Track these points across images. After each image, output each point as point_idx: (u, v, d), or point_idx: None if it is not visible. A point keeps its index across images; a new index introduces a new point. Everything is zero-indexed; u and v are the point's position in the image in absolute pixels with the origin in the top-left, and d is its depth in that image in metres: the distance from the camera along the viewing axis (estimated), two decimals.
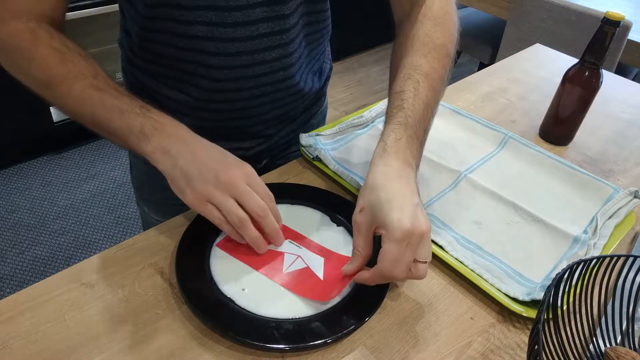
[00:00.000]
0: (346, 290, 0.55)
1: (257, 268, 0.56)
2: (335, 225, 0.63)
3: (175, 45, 0.64)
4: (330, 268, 0.56)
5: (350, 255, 0.54)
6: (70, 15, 1.78)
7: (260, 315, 0.51)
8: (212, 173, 0.53)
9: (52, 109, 1.97)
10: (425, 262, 0.50)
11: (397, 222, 0.47)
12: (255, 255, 0.57)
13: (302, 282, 0.55)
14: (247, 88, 0.68)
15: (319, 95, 0.84)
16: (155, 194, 0.83)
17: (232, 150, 0.76)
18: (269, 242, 0.57)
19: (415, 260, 0.49)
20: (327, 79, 0.85)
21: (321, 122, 0.89)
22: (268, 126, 0.76)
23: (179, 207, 0.63)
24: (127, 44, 0.71)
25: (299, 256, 0.58)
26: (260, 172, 0.75)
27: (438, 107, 0.61)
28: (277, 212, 0.56)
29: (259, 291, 0.54)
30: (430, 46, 0.60)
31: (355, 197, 0.67)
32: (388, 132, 0.55)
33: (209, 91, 0.68)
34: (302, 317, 0.51)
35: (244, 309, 0.51)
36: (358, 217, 0.51)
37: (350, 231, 0.61)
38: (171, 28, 0.62)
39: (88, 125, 0.57)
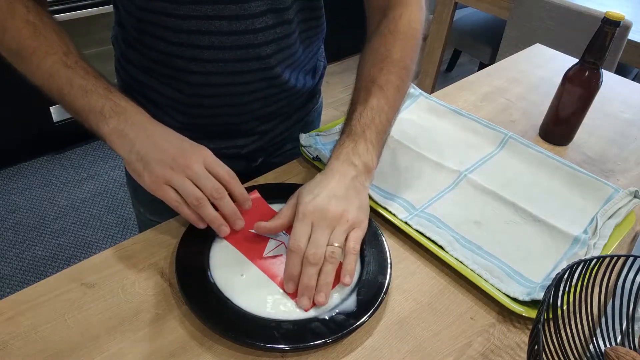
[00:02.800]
0: (346, 290, 0.55)
1: (240, 249, 0.57)
2: None
3: (169, 39, 0.63)
4: None
5: (349, 257, 0.54)
6: (71, 15, 1.78)
7: (260, 315, 0.51)
8: (169, 156, 0.54)
9: (52, 109, 1.97)
10: (337, 245, 0.53)
11: (303, 204, 0.55)
12: (241, 236, 0.58)
13: (277, 267, 0.56)
14: (241, 83, 0.68)
15: (314, 93, 0.84)
16: (149, 194, 0.83)
17: (227, 148, 0.76)
18: (230, 225, 0.57)
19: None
20: (321, 77, 0.84)
21: (316, 120, 0.89)
22: (261, 123, 0.76)
23: None
24: (122, 37, 0.71)
25: (283, 243, 0.59)
26: (257, 171, 0.76)
27: (398, 109, 0.65)
28: (242, 192, 0.57)
29: (260, 290, 0.54)
30: (387, 61, 0.64)
31: None
32: (336, 143, 0.61)
33: (202, 86, 0.67)
34: (302, 317, 0.51)
35: (244, 309, 0.51)
36: (291, 197, 0.58)
37: None
38: (165, 21, 0.62)
39: (56, 100, 0.58)
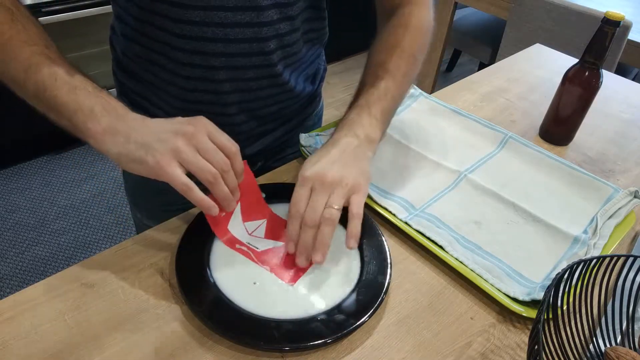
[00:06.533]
0: (346, 290, 0.55)
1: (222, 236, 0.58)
2: None
3: (172, 30, 0.62)
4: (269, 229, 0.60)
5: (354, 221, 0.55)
6: (71, 15, 1.78)
7: (260, 315, 0.51)
8: (171, 130, 0.50)
9: None
10: (335, 207, 0.54)
11: (303, 170, 0.55)
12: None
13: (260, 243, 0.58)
14: (243, 80, 0.67)
15: (314, 96, 0.84)
16: (148, 199, 0.82)
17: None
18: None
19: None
20: (322, 80, 0.84)
21: (317, 124, 0.88)
22: (261, 124, 0.76)
23: (173, 212, 0.63)
24: (121, 32, 0.70)
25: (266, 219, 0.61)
26: (256, 174, 0.75)
27: (404, 94, 0.67)
28: (242, 165, 0.55)
29: (261, 290, 0.54)
30: (397, 49, 0.66)
31: None
32: (349, 119, 0.61)
33: (204, 80, 0.66)
34: (302, 317, 0.51)
35: (244, 309, 0.51)
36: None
37: (346, 227, 0.62)
38: (168, 11, 0.61)
39: (28, 95, 0.53)
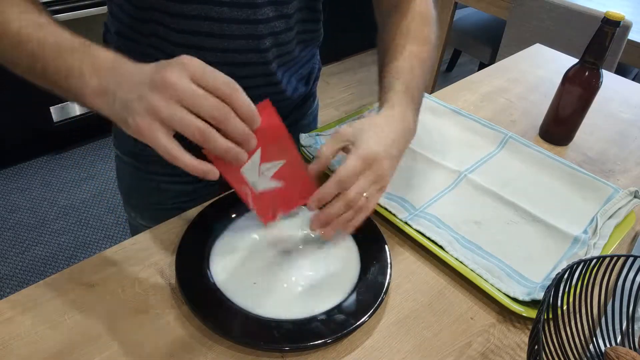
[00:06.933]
0: (346, 290, 0.55)
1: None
2: None
3: (169, 25, 0.62)
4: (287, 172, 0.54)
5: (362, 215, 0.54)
6: (71, 15, 1.78)
7: (260, 315, 0.51)
8: (148, 85, 0.43)
9: (52, 109, 1.97)
10: (374, 202, 0.53)
11: (369, 145, 0.52)
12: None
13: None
14: (239, 77, 0.66)
15: (308, 96, 0.83)
16: (142, 199, 0.82)
17: None
18: (245, 148, 0.46)
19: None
20: (316, 79, 0.84)
21: (312, 123, 0.88)
22: None
23: (167, 211, 0.63)
24: (115, 29, 0.69)
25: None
26: None
27: (427, 77, 0.66)
28: (248, 105, 0.45)
29: (261, 290, 0.54)
30: (419, 37, 0.66)
31: None
32: (392, 96, 0.59)
33: None
34: (302, 317, 0.51)
35: (244, 309, 0.51)
36: (343, 128, 0.54)
37: None
38: (166, 6, 0.60)
39: (23, 71, 0.49)
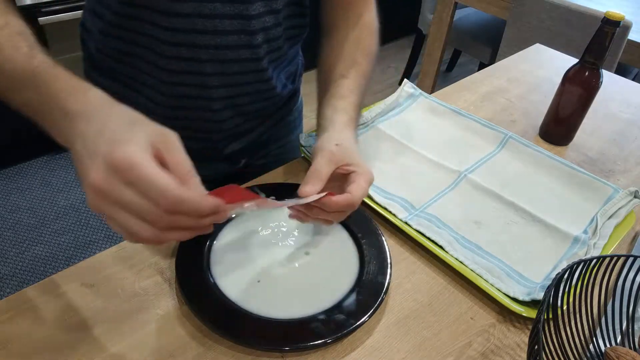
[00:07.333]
0: (346, 290, 0.55)
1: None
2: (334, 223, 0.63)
3: (159, 23, 0.60)
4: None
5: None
6: (70, 15, 1.78)
7: (260, 315, 0.51)
8: (85, 180, 0.38)
9: None
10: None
11: (370, 169, 0.55)
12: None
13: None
14: (230, 74, 0.66)
15: (294, 91, 0.83)
16: None
17: (208, 149, 0.74)
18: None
19: None
20: (300, 75, 0.84)
21: (297, 118, 0.88)
22: (247, 120, 0.75)
23: None
24: (98, 28, 0.67)
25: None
26: (241, 173, 0.73)
27: (367, 89, 0.69)
28: (197, 203, 0.38)
29: (261, 290, 0.54)
30: (367, 50, 0.70)
31: None
32: (350, 107, 0.62)
33: (189, 74, 0.65)
34: (302, 317, 0.51)
35: (244, 309, 0.51)
36: (334, 147, 0.54)
37: (349, 229, 0.62)
38: (154, 4, 0.59)
39: (17, 108, 0.48)
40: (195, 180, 0.39)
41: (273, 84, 0.72)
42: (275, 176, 0.72)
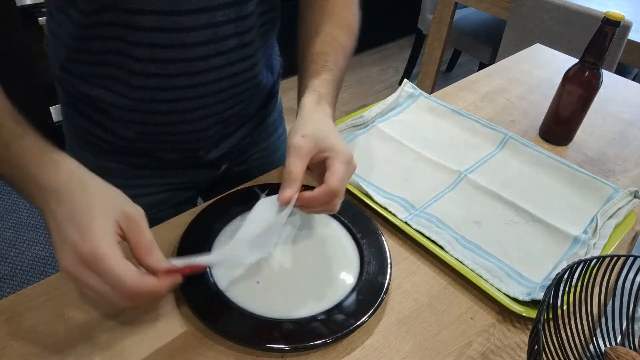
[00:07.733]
0: (346, 290, 0.55)
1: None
2: (334, 222, 0.63)
3: (125, 38, 0.57)
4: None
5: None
6: None
7: (260, 315, 0.51)
8: (71, 244, 0.42)
9: (52, 109, 1.97)
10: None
11: (344, 147, 0.54)
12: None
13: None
14: (203, 84, 0.64)
15: (272, 94, 0.82)
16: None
17: (187, 159, 0.73)
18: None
19: None
20: (279, 75, 0.82)
21: (278, 119, 0.87)
22: (226, 126, 0.73)
23: (158, 221, 0.62)
24: (63, 50, 0.64)
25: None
26: (223, 178, 0.72)
27: (347, 64, 0.67)
28: (157, 289, 0.44)
29: (261, 290, 0.54)
30: (344, 22, 0.68)
31: (355, 196, 0.67)
32: (320, 84, 0.60)
33: (161, 90, 0.63)
34: (302, 317, 0.51)
35: (244, 308, 0.51)
36: (300, 140, 0.52)
37: (346, 227, 0.62)
38: (122, 18, 0.56)
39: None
40: (156, 253, 0.45)
41: (252, 82, 0.70)
42: (275, 176, 0.72)
